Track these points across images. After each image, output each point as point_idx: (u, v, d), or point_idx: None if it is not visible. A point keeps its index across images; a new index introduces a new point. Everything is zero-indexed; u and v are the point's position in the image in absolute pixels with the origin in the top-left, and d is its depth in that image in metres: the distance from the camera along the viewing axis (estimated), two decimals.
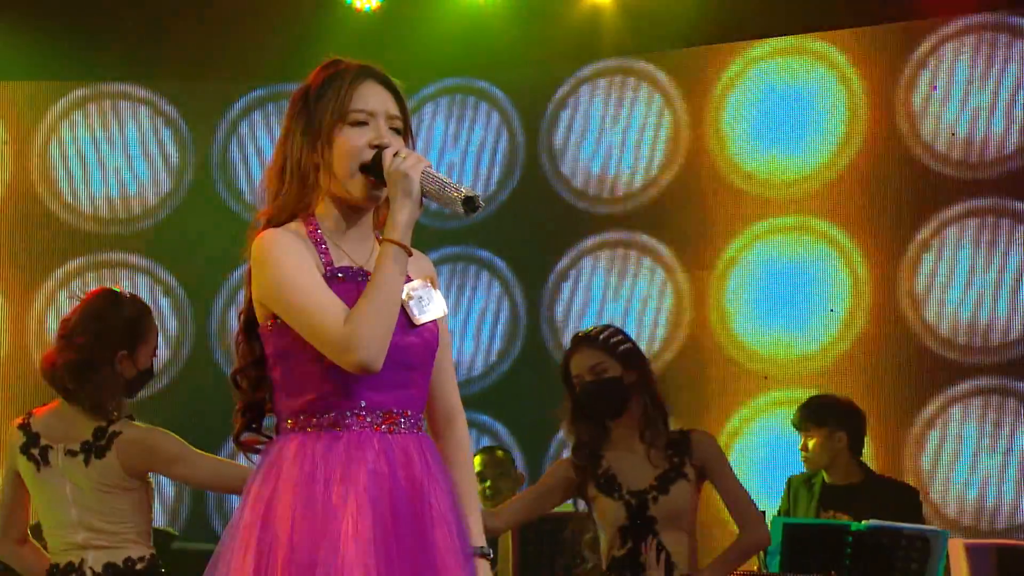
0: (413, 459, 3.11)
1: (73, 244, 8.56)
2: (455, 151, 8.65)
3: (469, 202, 3.09)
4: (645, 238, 8.38)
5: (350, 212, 3.19)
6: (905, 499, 6.49)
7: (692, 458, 5.02)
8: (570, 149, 8.55)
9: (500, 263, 8.58)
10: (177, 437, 4.63)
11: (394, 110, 3.21)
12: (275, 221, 3.18)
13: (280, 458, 3.09)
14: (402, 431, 3.13)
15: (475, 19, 8.41)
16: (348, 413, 3.09)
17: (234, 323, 8.77)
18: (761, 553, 5.63)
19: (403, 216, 3.08)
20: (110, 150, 8.63)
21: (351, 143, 3.15)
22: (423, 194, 3.11)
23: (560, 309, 8.50)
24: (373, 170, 3.15)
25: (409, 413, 3.15)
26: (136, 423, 4.62)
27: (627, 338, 5.13)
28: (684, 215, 8.32)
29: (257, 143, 8.70)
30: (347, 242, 3.20)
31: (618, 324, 8.16)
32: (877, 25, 8.02)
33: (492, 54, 8.50)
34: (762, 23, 8.16)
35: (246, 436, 3.24)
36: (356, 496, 3.03)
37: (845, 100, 8.05)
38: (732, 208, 8.22)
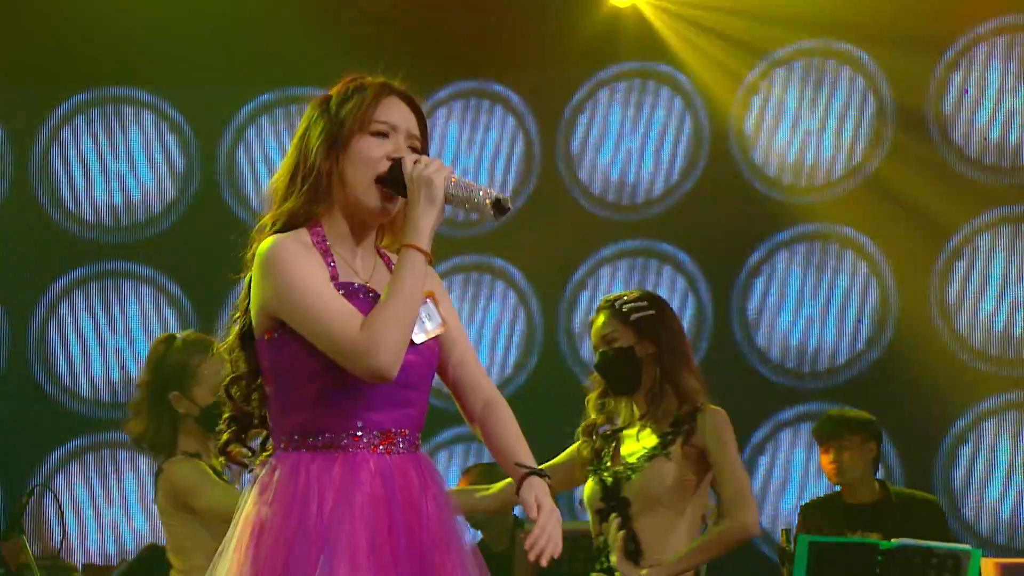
0: (411, 481, 3.11)
1: (75, 253, 8.55)
2: (469, 156, 8.63)
3: (499, 205, 3.10)
4: (666, 247, 8.38)
5: (357, 225, 3.21)
6: (932, 513, 6.44)
7: (692, 437, 4.68)
8: (587, 154, 8.54)
9: (516, 272, 8.55)
10: (199, 468, 4.83)
11: (415, 129, 3.23)
12: (280, 226, 3.19)
13: (273, 478, 3.09)
14: (400, 451, 3.13)
15: (489, 20, 8.42)
16: (344, 434, 3.09)
17: None
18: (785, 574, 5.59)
19: (426, 222, 3.09)
20: (113, 156, 8.61)
21: (369, 153, 3.17)
22: (446, 200, 3.12)
23: (578, 320, 8.44)
24: (390, 179, 3.16)
25: (407, 433, 3.15)
26: (178, 458, 4.90)
27: (651, 306, 4.83)
28: (704, 222, 8.30)
29: (265, 149, 8.66)
30: (352, 257, 3.21)
31: None
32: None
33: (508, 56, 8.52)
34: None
35: (232, 448, 3.24)
36: (351, 520, 3.02)
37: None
38: (754, 217, 8.22)
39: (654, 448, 4.73)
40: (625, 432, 4.83)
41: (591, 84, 8.53)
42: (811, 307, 8.13)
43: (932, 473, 7.73)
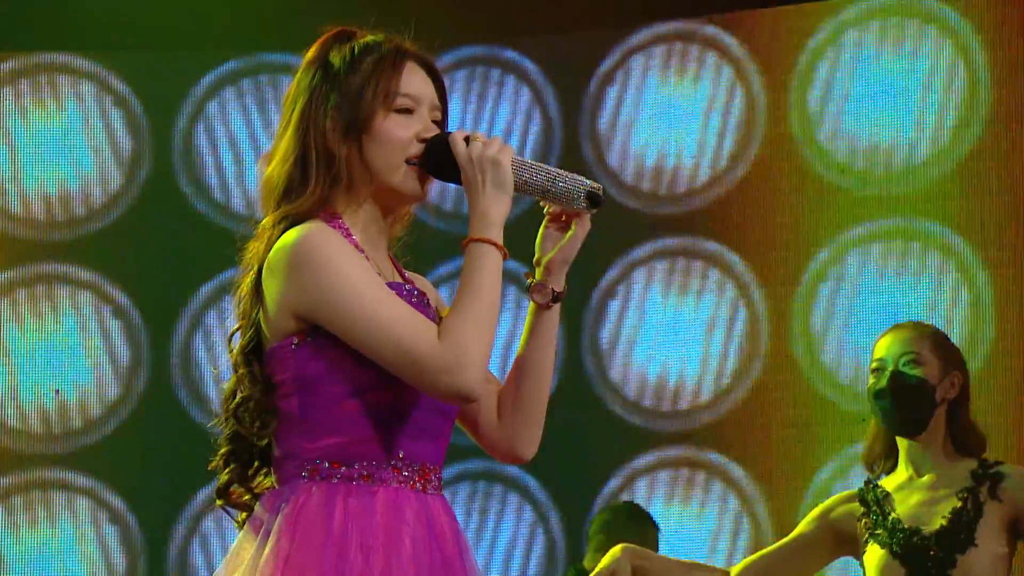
0: (445, 529, 3.13)
1: (0, 253, 8.50)
2: None
3: (593, 198, 3.17)
4: (712, 245, 8.33)
5: (380, 217, 3.24)
6: None
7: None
8: (618, 134, 8.49)
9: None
10: None
11: (436, 99, 3.28)
12: (290, 225, 3.15)
13: (301, 511, 3.07)
14: (431, 491, 3.16)
15: None
16: (385, 465, 3.11)
17: (200, 351, 8.89)
18: None
19: (496, 211, 3.15)
20: (46, 137, 8.57)
21: (397, 133, 3.18)
22: (518, 188, 3.18)
23: (606, 334, 8.41)
24: (432, 162, 3.17)
25: (437, 469, 3.20)
26: None
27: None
28: (759, 217, 8.27)
29: (229, 127, 8.61)
30: (375, 254, 3.21)
31: (679, 352, 8.35)
32: None
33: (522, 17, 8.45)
34: None
35: (234, 490, 3.20)
36: (400, 568, 3.05)
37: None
38: (820, 209, 8.18)
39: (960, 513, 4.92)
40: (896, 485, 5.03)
41: (622, 50, 8.48)
42: (887, 318, 8.06)
43: None
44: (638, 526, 7.16)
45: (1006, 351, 7.81)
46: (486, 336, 3.07)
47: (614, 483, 8.23)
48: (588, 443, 8.27)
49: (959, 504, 4.89)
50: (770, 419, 8.09)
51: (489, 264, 3.13)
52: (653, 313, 8.37)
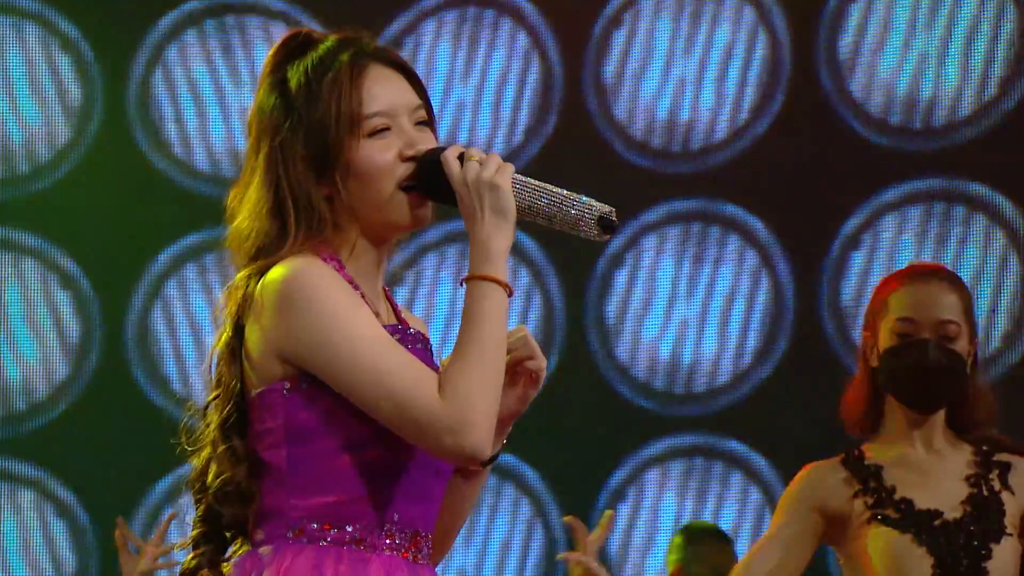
0: None
1: None
2: (466, 87, 8.55)
3: (606, 224, 3.14)
4: (732, 209, 8.33)
5: (371, 247, 3.19)
6: None
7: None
8: (626, 84, 8.47)
9: (528, 242, 8.46)
10: None
11: (415, 99, 3.20)
12: None
13: (289, 572, 3.05)
14: (421, 560, 3.16)
15: None
16: (378, 530, 3.09)
17: (159, 325, 8.85)
18: None
19: (499, 243, 3.08)
20: None
21: (377, 162, 3.14)
22: (522, 214, 3.13)
23: (612, 307, 8.40)
24: (423, 183, 3.14)
25: (429, 537, 3.19)
26: None
27: None
28: (782, 177, 8.28)
29: (190, 75, 8.56)
30: (369, 290, 3.20)
31: (693, 326, 8.34)
32: None
33: None
34: None
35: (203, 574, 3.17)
36: None
37: None
38: (851, 168, 8.18)
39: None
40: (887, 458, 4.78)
41: None
42: None
43: None
44: (716, 542, 7.27)
45: None
46: (492, 388, 3.04)
47: (621, 474, 8.22)
48: (592, 429, 8.27)
49: (974, 491, 4.78)
50: (795, 402, 8.10)
51: (492, 305, 3.07)
52: (665, 284, 8.38)
